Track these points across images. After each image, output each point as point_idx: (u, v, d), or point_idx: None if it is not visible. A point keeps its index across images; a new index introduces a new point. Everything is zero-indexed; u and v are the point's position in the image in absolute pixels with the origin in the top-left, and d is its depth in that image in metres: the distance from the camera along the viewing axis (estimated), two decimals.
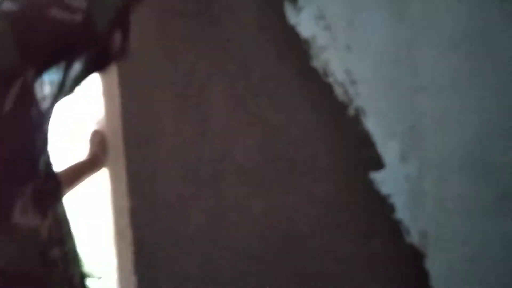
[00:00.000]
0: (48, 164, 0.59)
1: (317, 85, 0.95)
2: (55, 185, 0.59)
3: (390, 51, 0.96)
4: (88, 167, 1.06)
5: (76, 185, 1.07)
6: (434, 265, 0.98)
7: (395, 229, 0.98)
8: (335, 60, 0.95)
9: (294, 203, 0.96)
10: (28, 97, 0.55)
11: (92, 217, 2.43)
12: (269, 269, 0.96)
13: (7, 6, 0.55)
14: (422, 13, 0.96)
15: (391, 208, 0.97)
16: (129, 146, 0.95)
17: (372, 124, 0.96)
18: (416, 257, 0.98)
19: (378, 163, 0.97)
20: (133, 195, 0.95)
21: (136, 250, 0.96)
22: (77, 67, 0.60)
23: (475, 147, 0.98)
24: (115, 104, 0.96)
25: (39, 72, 0.56)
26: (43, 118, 0.58)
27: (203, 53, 0.94)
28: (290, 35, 0.94)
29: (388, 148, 0.96)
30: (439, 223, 0.98)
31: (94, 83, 0.99)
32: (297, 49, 0.94)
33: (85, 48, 0.60)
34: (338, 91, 0.95)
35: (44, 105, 0.57)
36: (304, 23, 0.94)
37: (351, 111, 0.96)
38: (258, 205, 0.95)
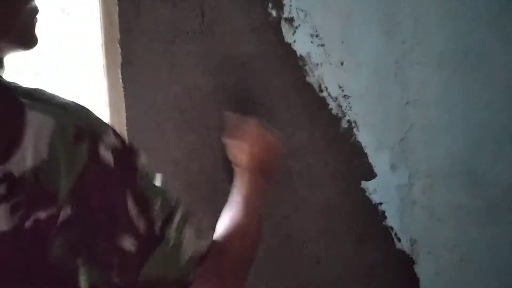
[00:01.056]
0: None
1: (312, 99, 0.98)
2: None
3: (381, 67, 0.99)
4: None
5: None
6: (423, 270, 1.02)
7: (387, 235, 1.01)
8: (329, 76, 0.98)
9: (291, 210, 0.98)
10: None
11: None
12: (269, 273, 0.98)
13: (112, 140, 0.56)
14: (412, 31, 1.00)
15: (382, 216, 1.01)
16: None
17: (364, 136, 1.00)
18: (406, 262, 1.02)
19: (370, 173, 1.00)
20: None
21: None
22: None
23: (462, 158, 1.02)
24: (121, 117, 0.99)
25: None
26: None
27: (205, 68, 0.97)
28: (287, 52, 0.97)
29: (379, 159, 1.00)
30: (428, 230, 1.02)
31: (101, 95, 1.03)
32: (294, 65, 0.98)
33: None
34: (332, 105, 0.99)
35: None
36: (300, 41, 0.97)
37: (344, 124, 1.00)
38: None
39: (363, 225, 1.01)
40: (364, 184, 1.00)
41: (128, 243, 0.54)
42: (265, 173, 0.73)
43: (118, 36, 0.96)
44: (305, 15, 0.98)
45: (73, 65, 1.04)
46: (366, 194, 1.00)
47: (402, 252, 1.02)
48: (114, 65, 0.98)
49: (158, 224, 0.58)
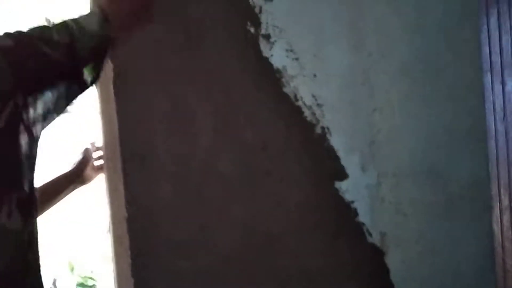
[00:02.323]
0: (32, 181, 0.67)
1: (288, 108, 1.06)
2: (35, 199, 0.68)
3: (350, 78, 1.08)
4: (69, 180, 1.11)
5: (58, 199, 1.12)
6: (393, 261, 1.10)
7: (358, 230, 1.09)
8: (304, 87, 1.06)
9: (270, 208, 1.05)
10: (17, 118, 0.64)
11: (92, 225, 2.50)
12: (249, 266, 1.05)
13: (3, 41, 0.67)
14: (377, 44, 1.09)
15: (354, 213, 1.09)
16: (126, 162, 1.03)
17: (336, 141, 1.08)
18: (377, 254, 1.10)
19: (342, 174, 1.08)
20: (130, 205, 1.03)
21: (132, 255, 1.04)
22: (61, 92, 0.71)
23: (424, 158, 1.10)
24: (113, 125, 1.05)
25: (28, 96, 0.66)
26: (32, 139, 0.67)
27: (191, 81, 1.05)
28: (265, 65, 1.05)
29: (350, 161, 1.08)
30: (396, 224, 1.10)
31: (94, 104, 1.09)
32: (271, 77, 1.06)
33: (67, 77, 0.72)
34: (307, 113, 1.07)
35: (32, 126, 0.67)
36: (276, 55, 1.05)
37: (318, 130, 1.08)
38: (239, 211, 1.05)
39: (337, 221, 1.08)
40: (337, 184, 1.08)
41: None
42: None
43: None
44: (280, 31, 1.06)
45: None
46: (339, 193, 1.08)
47: (373, 245, 1.10)
48: (105, 78, 1.05)
49: None
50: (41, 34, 0.70)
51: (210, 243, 1.05)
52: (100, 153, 1.15)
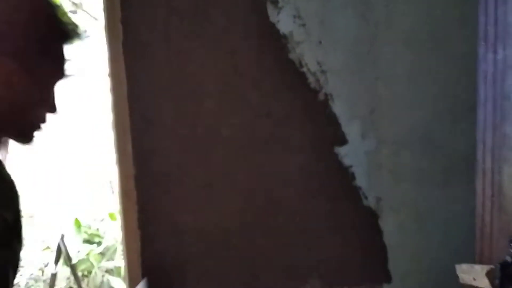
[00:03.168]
0: None
1: (293, 73, 1.08)
2: None
3: (355, 46, 1.09)
4: None
5: None
6: (386, 224, 1.15)
7: (356, 194, 1.14)
8: (309, 53, 1.08)
9: (272, 171, 1.09)
10: None
11: (98, 184, 2.57)
12: (251, 225, 1.10)
13: None
14: (384, 15, 1.10)
15: (352, 177, 1.13)
16: (134, 125, 1.06)
17: (338, 108, 1.10)
18: (372, 217, 1.15)
19: (342, 140, 1.12)
20: (137, 164, 1.07)
21: (139, 209, 1.08)
22: None
23: (423, 127, 1.13)
24: (123, 86, 1.07)
25: None
26: None
27: (198, 45, 1.06)
28: (272, 31, 1.07)
29: (351, 128, 1.11)
30: (391, 190, 1.14)
31: (103, 66, 1.09)
32: (277, 43, 1.07)
33: None
34: (311, 79, 1.09)
35: None
36: (283, 21, 1.06)
37: (321, 96, 1.10)
38: (242, 173, 1.08)
39: (336, 184, 1.13)
40: (337, 149, 1.12)
41: None
42: None
43: (119, 14, 1.04)
44: None
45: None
46: (339, 158, 1.12)
47: (368, 208, 1.15)
48: (115, 39, 1.06)
49: None
50: None
51: (214, 202, 1.09)
52: None
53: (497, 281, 0.82)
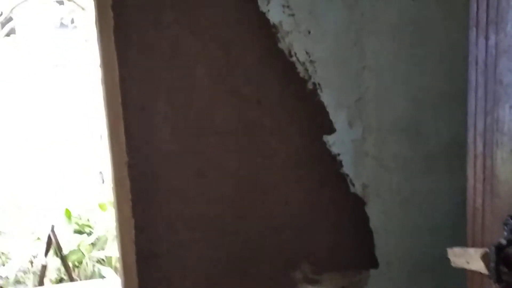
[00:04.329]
0: None
1: (283, 63, 1.10)
2: None
3: (342, 36, 1.12)
4: None
5: None
6: (372, 210, 1.18)
7: (343, 181, 1.17)
8: (298, 43, 1.10)
9: (262, 159, 1.11)
10: None
11: (95, 172, 2.56)
12: (242, 213, 1.13)
13: None
14: (371, 5, 1.12)
15: (339, 164, 1.16)
16: (127, 112, 1.07)
17: (326, 97, 1.13)
18: (358, 203, 1.18)
19: (330, 128, 1.14)
20: (131, 152, 1.08)
21: (133, 197, 1.09)
22: None
23: (407, 116, 1.16)
24: (114, 73, 1.07)
25: None
26: None
27: (189, 34, 1.06)
28: (261, 20, 1.08)
29: (338, 116, 1.14)
30: (377, 177, 1.17)
31: (95, 54, 1.10)
32: (267, 32, 1.09)
33: None
34: (300, 68, 1.11)
35: None
36: (273, 10, 1.08)
37: (310, 86, 1.13)
38: (233, 161, 1.10)
39: (324, 172, 1.16)
40: (325, 137, 1.14)
41: None
42: None
43: (110, 1, 1.05)
44: None
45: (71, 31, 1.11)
46: (327, 146, 1.15)
47: (355, 195, 1.18)
48: (106, 27, 1.07)
49: None
50: None
51: (206, 190, 1.11)
52: None
53: (492, 264, 0.82)
